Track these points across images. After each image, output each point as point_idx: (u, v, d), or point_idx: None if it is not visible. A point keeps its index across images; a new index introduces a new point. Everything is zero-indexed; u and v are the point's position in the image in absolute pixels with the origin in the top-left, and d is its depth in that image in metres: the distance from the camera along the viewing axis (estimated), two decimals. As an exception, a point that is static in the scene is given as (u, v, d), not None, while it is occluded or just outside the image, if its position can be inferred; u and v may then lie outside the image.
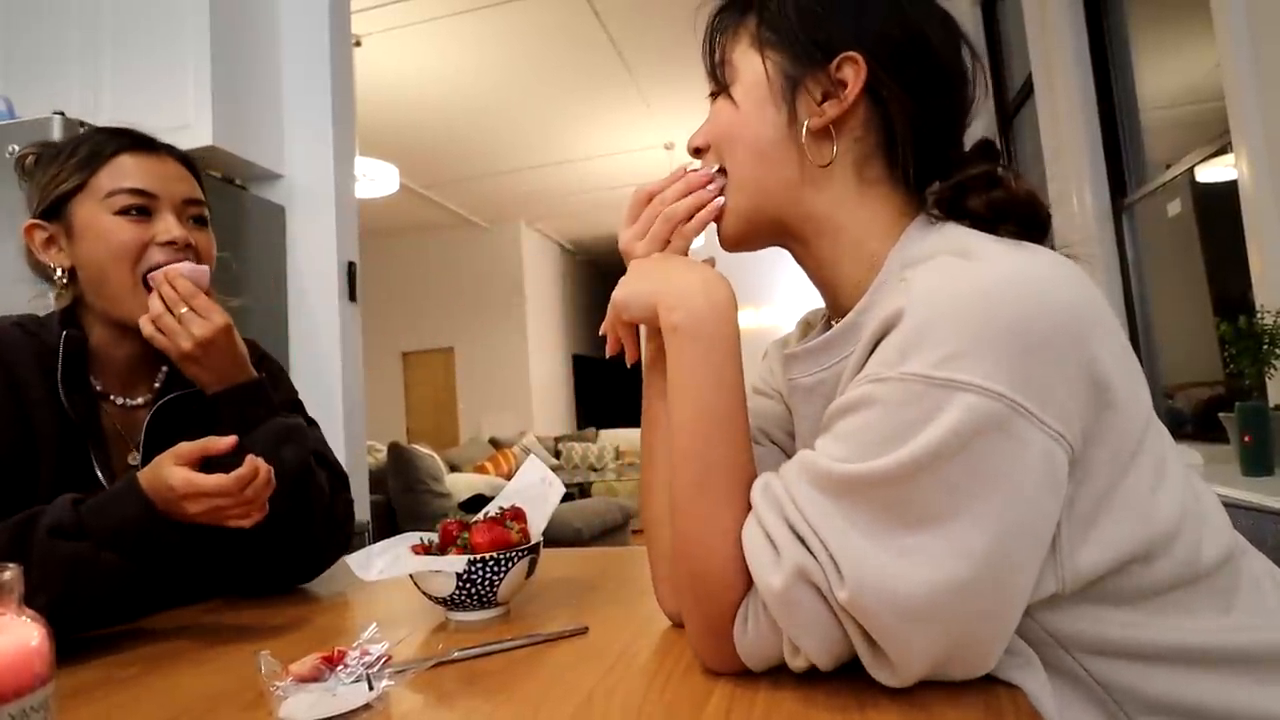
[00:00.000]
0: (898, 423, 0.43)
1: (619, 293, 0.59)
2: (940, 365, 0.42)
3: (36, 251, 0.85)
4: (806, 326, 0.70)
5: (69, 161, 0.84)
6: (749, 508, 0.49)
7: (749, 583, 0.48)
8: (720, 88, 0.59)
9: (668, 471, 0.61)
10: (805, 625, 0.45)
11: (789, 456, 0.69)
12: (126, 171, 0.84)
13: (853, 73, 0.54)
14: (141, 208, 0.84)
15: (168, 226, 0.84)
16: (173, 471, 0.68)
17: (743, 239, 0.62)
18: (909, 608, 0.41)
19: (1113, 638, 0.47)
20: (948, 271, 0.46)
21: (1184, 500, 0.48)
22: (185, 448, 0.70)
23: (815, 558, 0.44)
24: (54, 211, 0.84)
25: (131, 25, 2.30)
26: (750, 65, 0.57)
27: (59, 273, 0.85)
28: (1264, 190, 1.75)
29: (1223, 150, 1.97)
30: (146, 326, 0.81)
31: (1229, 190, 1.91)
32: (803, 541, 0.45)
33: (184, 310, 0.80)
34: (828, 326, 0.63)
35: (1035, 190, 0.54)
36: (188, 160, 0.92)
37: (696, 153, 0.63)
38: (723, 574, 0.48)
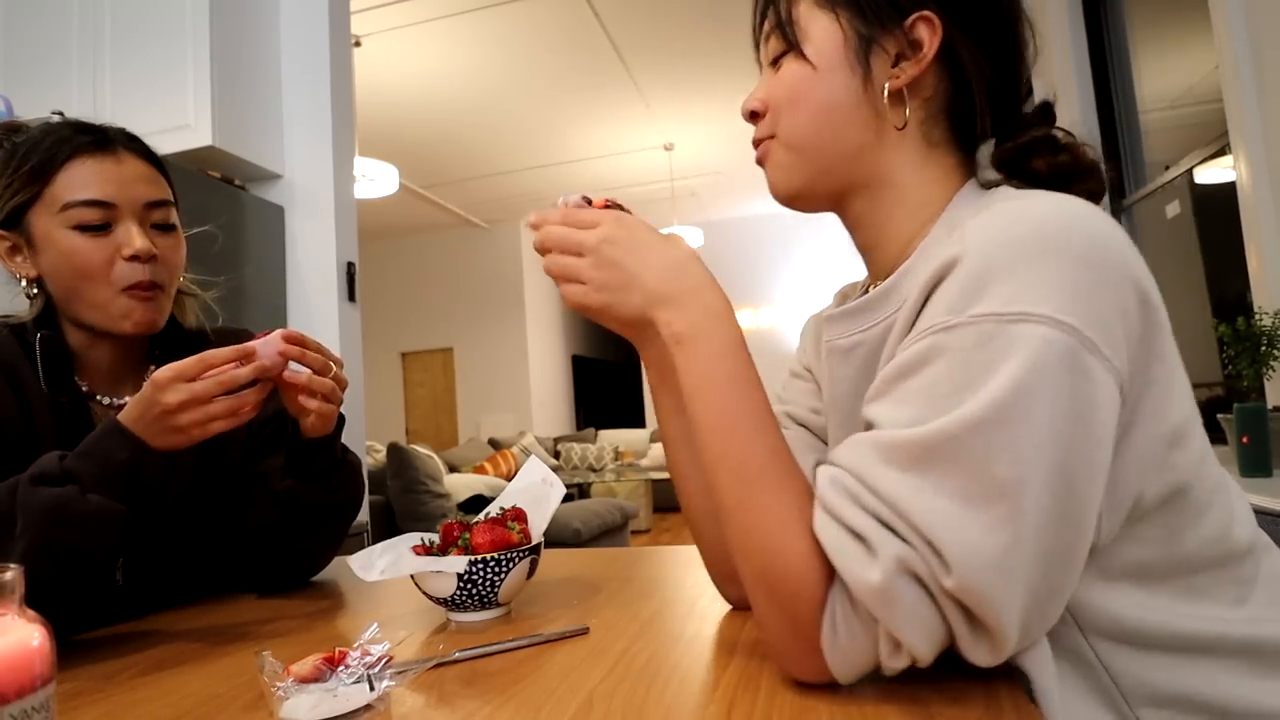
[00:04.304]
0: (972, 367, 0.41)
1: (588, 298, 0.55)
2: (1011, 301, 0.41)
3: (2, 260, 0.83)
4: (843, 298, 0.69)
5: (20, 171, 0.79)
6: (800, 492, 0.47)
7: (825, 572, 0.45)
8: (790, 46, 0.57)
9: (699, 479, 0.61)
10: (908, 617, 0.41)
11: (813, 434, 0.70)
12: (81, 181, 0.79)
13: (928, 32, 0.53)
14: (99, 223, 0.79)
15: (129, 239, 0.80)
16: (153, 375, 0.68)
17: (797, 198, 0.61)
18: (1013, 577, 0.40)
19: (1129, 619, 0.47)
20: (1001, 215, 0.45)
21: (1211, 467, 0.48)
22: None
23: (912, 546, 0.41)
24: (13, 221, 0.81)
25: (131, 25, 2.30)
26: (820, 24, 0.56)
27: (24, 283, 0.83)
28: (1262, 192, 1.75)
29: (1222, 152, 1.97)
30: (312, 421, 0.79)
31: (1228, 192, 1.91)
32: (893, 531, 0.42)
33: (331, 406, 0.79)
34: (865, 294, 0.63)
35: (1098, 160, 0.53)
36: (150, 155, 0.86)
37: (753, 116, 0.61)
38: (794, 567, 0.45)
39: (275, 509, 0.84)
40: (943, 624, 0.42)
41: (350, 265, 2.51)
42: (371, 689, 0.48)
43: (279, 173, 2.47)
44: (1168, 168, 2.31)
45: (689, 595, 0.74)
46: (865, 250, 0.62)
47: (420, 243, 8.74)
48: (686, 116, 5.93)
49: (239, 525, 0.88)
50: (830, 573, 0.45)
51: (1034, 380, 0.40)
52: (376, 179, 4.50)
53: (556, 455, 6.87)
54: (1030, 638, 0.43)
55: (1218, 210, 2.00)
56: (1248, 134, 1.76)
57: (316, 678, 0.48)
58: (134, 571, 0.80)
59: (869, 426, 0.46)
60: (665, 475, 5.45)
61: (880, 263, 0.60)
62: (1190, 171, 2.19)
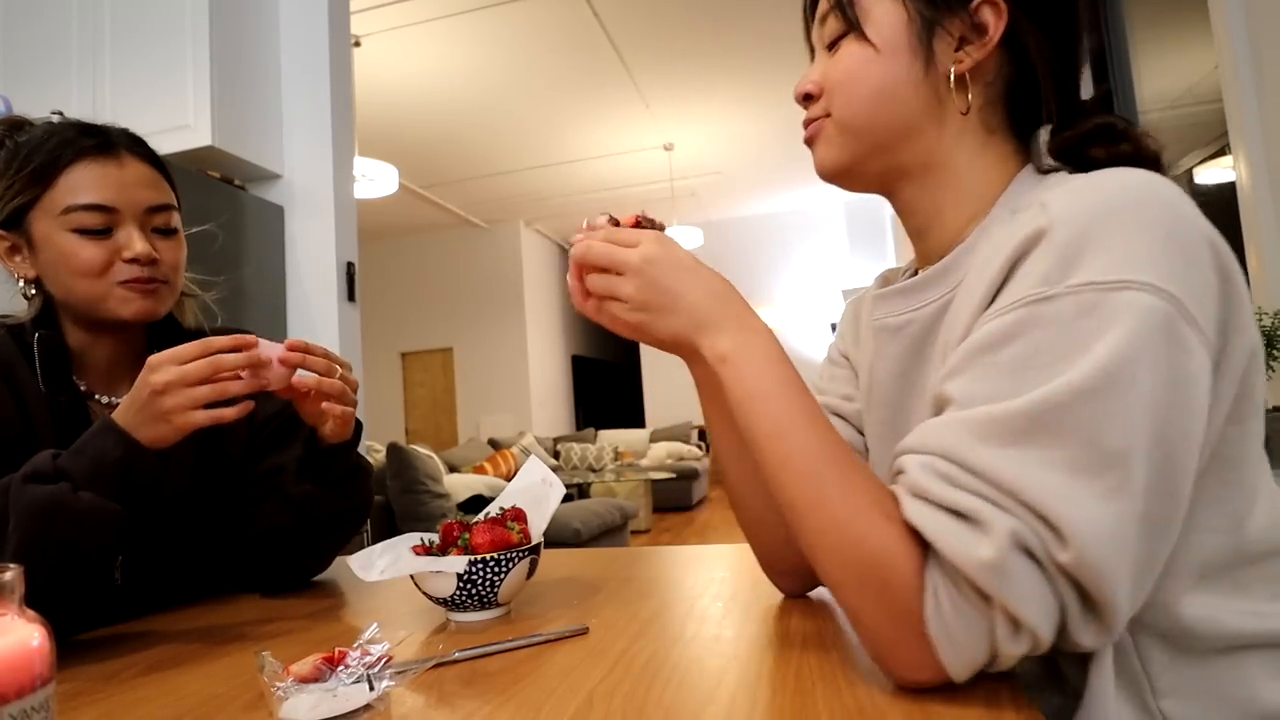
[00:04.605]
0: (1074, 337, 0.41)
1: (626, 316, 0.56)
2: (1111, 269, 0.41)
3: (1, 260, 0.83)
4: (885, 281, 0.69)
5: (21, 173, 0.79)
6: (868, 482, 0.47)
7: (918, 555, 0.43)
8: (851, 27, 0.57)
9: (752, 484, 0.63)
10: (1025, 593, 0.39)
11: (848, 422, 0.71)
12: (83, 184, 0.79)
13: (993, 16, 0.53)
14: (100, 228, 0.79)
15: (130, 242, 0.80)
16: (149, 358, 0.68)
17: (843, 175, 0.60)
18: (1125, 550, 0.39)
19: (1185, 617, 0.46)
20: (1084, 189, 0.45)
21: (1261, 451, 0.48)
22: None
23: (1022, 522, 0.40)
24: (13, 222, 0.80)
25: (131, 25, 2.30)
26: (882, 5, 0.56)
27: (22, 283, 0.83)
28: (1262, 192, 1.75)
29: (1221, 152, 1.98)
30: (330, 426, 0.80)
31: (1228, 192, 1.91)
32: (1000, 508, 0.40)
33: (349, 409, 0.80)
34: (914, 275, 0.63)
35: (1160, 149, 0.53)
36: (153, 158, 0.86)
37: (806, 99, 0.60)
38: (882, 554, 0.44)
39: (291, 513, 0.84)
40: (1057, 602, 0.40)
41: (350, 265, 2.51)
42: (371, 689, 0.48)
43: (279, 173, 2.47)
44: (1167, 168, 2.31)
45: (688, 595, 0.74)
46: (916, 233, 0.61)
47: (420, 243, 8.75)
48: (686, 116, 5.93)
49: (241, 525, 0.89)
50: (923, 556, 0.43)
51: (1140, 347, 0.39)
52: (376, 179, 4.50)
53: (556, 455, 6.87)
54: (1130, 614, 0.42)
55: (1217, 210, 2.01)
56: (1247, 134, 1.76)
57: (316, 678, 0.48)
58: (133, 571, 0.80)
59: (944, 404, 0.46)
60: (665, 475, 5.45)
61: (932, 245, 0.60)
62: (1190, 172, 2.19)
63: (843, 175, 0.60)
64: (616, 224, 0.60)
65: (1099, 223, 0.42)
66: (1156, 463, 0.40)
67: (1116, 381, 0.39)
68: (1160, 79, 2.61)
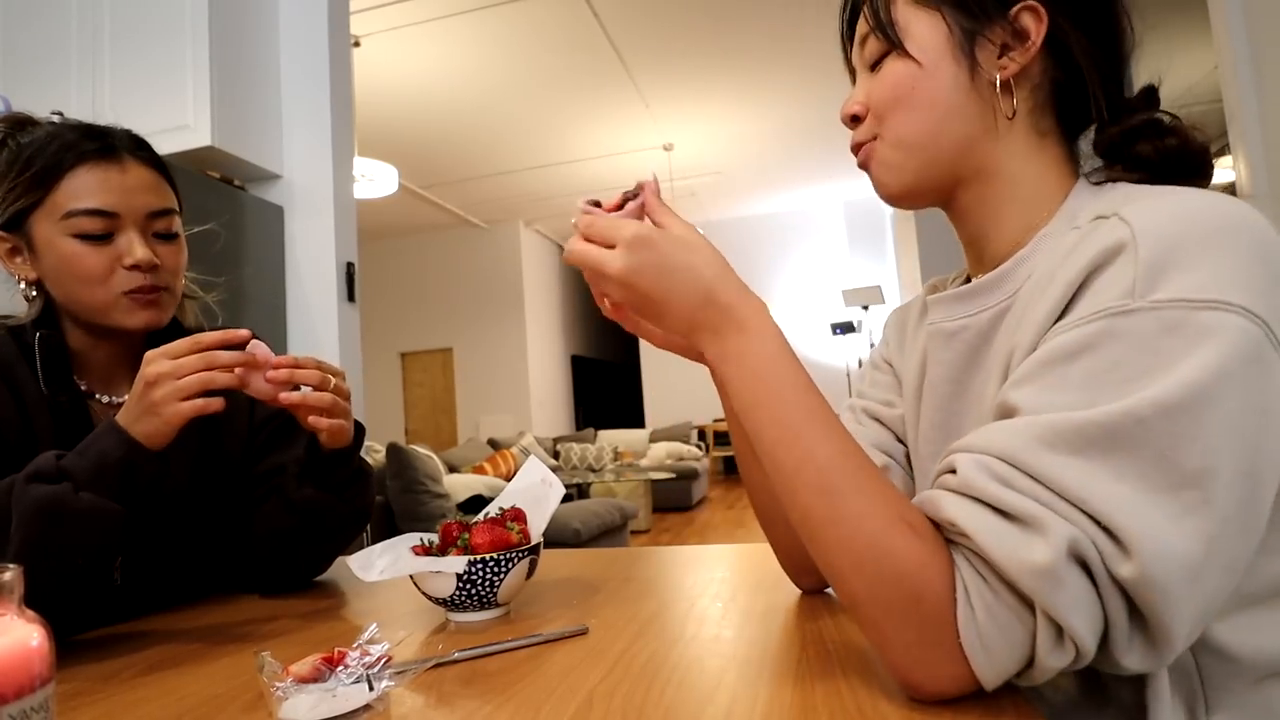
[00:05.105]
0: (1158, 353, 0.40)
1: (625, 317, 0.56)
2: (1201, 288, 0.40)
3: (2, 261, 0.82)
4: (933, 289, 0.68)
5: (22, 176, 0.79)
6: (886, 490, 0.45)
7: (946, 566, 0.42)
8: (892, 45, 0.56)
9: (767, 482, 0.60)
10: (1074, 602, 0.38)
11: (888, 426, 0.70)
12: (84, 189, 0.79)
13: (1033, 21, 0.53)
14: (101, 233, 0.79)
15: (130, 248, 0.80)
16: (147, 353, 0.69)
17: (905, 196, 0.60)
18: (1195, 573, 0.38)
19: (1252, 638, 0.45)
20: (1171, 203, 0.44)
21: None
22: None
23: (1082, 531, 0.39)
24: (14, 224, 0.80)
25: (131, 25, 2.30)
26: (922, 21, 0.56)
27: (23, 285, 0.83)
28: (1261, 192, 1.75)
29: (1221, 151, 1.98)
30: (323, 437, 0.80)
31: (1227, 192, 1.91)
32: (1059, 514, 0.39)
33: (340, 420, 0.79)
34: (965, 283, 0.62)
35: (1208, 143, 0.52)
36: (155, 161, 0.86)
37: (853, 120, 0.60)
38: (910, 568, 0.42)
39: (292, 517, 0.84)
40: (1103, 617, 0.39)
41: (350, 265, 2.51)
42: (371, 689, 0.48)
43: (278, 173, 2.47)
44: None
45: (688, 595, 0.74)
46: (970, 240, 0.61)
47: (420, 243, 8.75)
48: (686, 116, 5.93)
49: (241, 525, 0.89)
50: (951, 562, 0.42)
51: (1231, 369, 0.39)
52: (376, 179, 4.50)
53: (556, 455, 6.87)
54: (1186, 645, 0.41)
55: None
56: (1247, 134, 1.76)
57: (316, 678, 0.48)
58: (132, 571, 0.80)
59: (1008, 412, 0.45)
60: (664, 475, 5.44)
61: (988, 253, 0.59)
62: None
63: (905, 195, 0.60)
64: (598, 205, 0.57)
65: (1186, 240, 0.41)
66: (1240, 493, 0.39)
67: (1201, 401, 0.38)
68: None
